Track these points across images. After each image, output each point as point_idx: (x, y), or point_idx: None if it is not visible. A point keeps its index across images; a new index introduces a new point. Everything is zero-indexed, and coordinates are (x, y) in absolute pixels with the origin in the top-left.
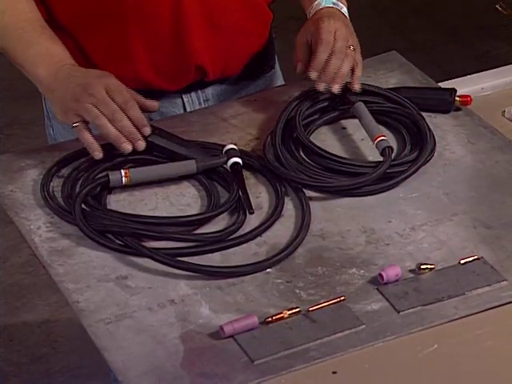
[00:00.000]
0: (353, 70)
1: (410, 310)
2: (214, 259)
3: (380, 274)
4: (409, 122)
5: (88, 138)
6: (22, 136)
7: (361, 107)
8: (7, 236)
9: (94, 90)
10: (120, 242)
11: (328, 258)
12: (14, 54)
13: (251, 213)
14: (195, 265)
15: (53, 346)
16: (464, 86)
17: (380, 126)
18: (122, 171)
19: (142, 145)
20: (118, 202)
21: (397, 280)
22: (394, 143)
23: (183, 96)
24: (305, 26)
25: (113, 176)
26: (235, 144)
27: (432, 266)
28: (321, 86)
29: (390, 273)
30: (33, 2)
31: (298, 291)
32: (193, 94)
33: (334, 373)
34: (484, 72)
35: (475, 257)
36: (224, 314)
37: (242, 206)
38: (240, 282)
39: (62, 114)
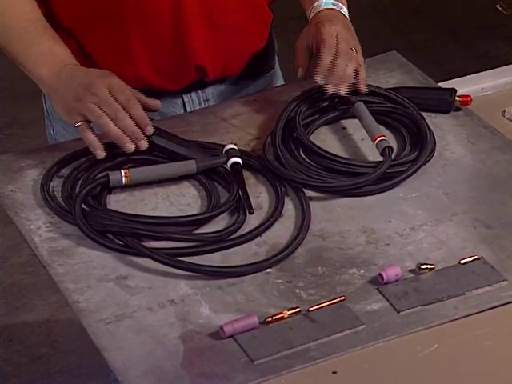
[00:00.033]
0: (356, 72)
1: (409, 310)
2: (214, 259)
3: (380, 274)
4: (409, 122)
5: (91, 138)
6: (22, 136)
7: (361, 107)
8: (7, 236)
9: (97, 90)
10: (120, 242)
11: (328, 258)
12: (15, 54)
13: (251, 213)
14: (195, 265)
15: (53, 346)
16: (464, 85)
17: (380, 126)
18: (122, 171)
19: (144, 144)
20: (118, 202)
21: (397, 280)
22: (394, 143)
23: (183, 96)
24: (305, 30)
25: (113, 176)
26: (235, 144)
27: (432, 266)
28: (330, 89)
29: (390, 273)
30: (34, 2)
31: (298, 291)
32: (193, 93)
33: (334, 373)
34: (484, 72)
35: (475, 257)
36: (224, 313)
37: (242, 206)
38: (240, 282)
39: (65, 113)
